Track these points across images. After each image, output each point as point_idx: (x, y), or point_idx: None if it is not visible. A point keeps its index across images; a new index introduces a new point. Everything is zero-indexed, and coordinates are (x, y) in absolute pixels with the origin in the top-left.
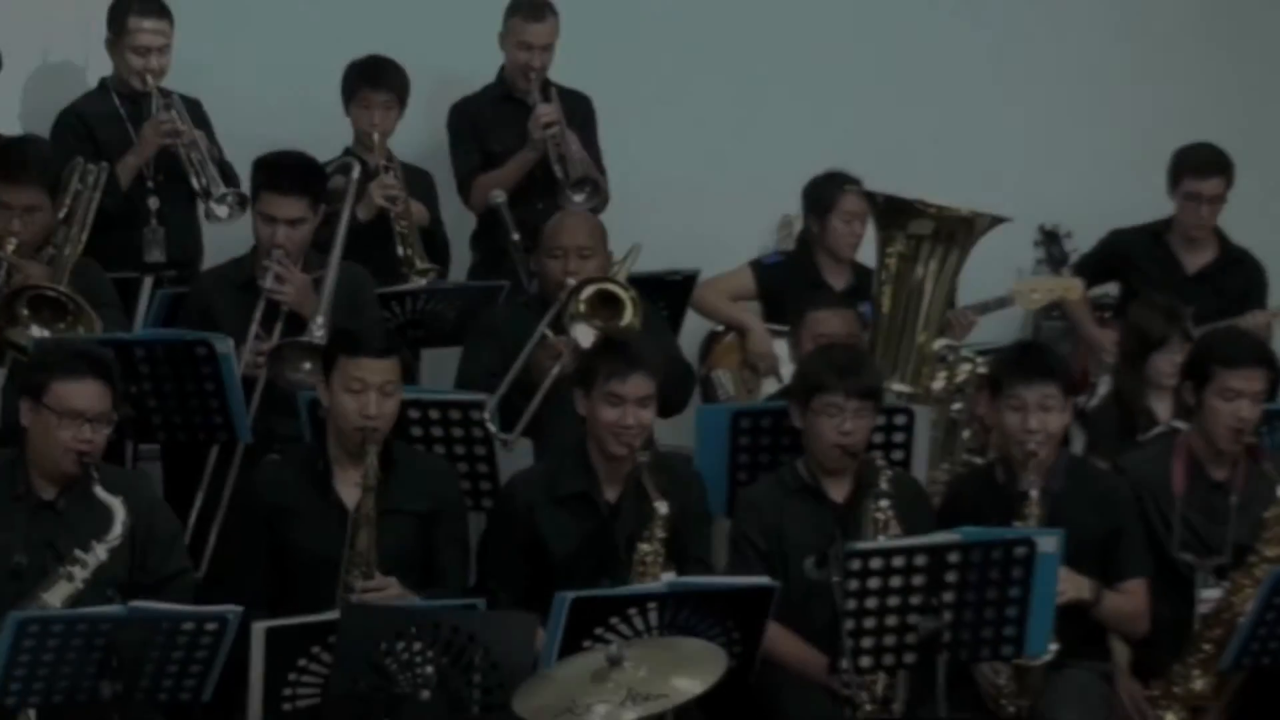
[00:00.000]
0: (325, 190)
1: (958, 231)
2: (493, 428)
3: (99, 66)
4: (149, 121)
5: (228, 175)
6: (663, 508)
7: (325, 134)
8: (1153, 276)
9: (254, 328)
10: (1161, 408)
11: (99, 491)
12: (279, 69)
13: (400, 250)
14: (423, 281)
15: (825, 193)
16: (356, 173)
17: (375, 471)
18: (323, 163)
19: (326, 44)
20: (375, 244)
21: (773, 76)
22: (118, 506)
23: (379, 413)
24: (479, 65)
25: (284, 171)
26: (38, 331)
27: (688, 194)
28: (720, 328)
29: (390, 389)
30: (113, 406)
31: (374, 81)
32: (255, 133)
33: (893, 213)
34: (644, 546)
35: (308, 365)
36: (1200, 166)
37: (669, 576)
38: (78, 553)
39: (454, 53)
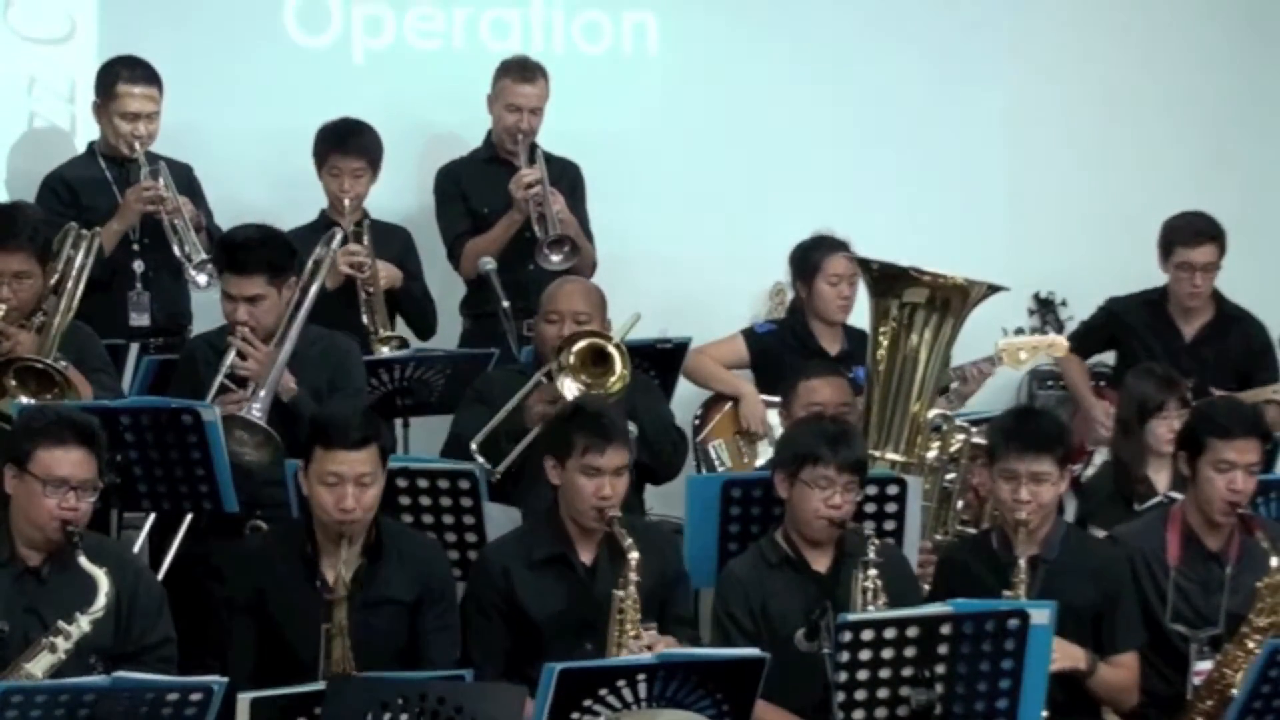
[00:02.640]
0: (289, 262)
1: (952, 299)
2: (479, 459)
3: (86, 131)
4: (131, 188)
5: (215, 243)
6: (634, 553)
7: (308, 198)
8: (1151, 345)
9: (216, 383)
10: (1160, 478)
11: (83, 562)
12: (264, 133)
13: (365, 318)
14: (385, 349)
15: (811, 256)
16: (338, 242)
17: (345, 584)
18: (303, 227)
19: (314, 107)
20: (346, 311)
21: (765, 145)
22: (102, 578)
23: (356, 505)
24: (472, 125)
25: (239, 251)
26: (25, 402)
27: (679, 262)
28: (711, 395)
29: (368, 480)
30: (98, 474)
31: (342, 147)
32: (239, 197)
33: (887, 280)
34: (619, 593)
35: (245, 435)
36: (1190, 236)
37: (649, 634)
38: (61, 624)
39: (447, 112)
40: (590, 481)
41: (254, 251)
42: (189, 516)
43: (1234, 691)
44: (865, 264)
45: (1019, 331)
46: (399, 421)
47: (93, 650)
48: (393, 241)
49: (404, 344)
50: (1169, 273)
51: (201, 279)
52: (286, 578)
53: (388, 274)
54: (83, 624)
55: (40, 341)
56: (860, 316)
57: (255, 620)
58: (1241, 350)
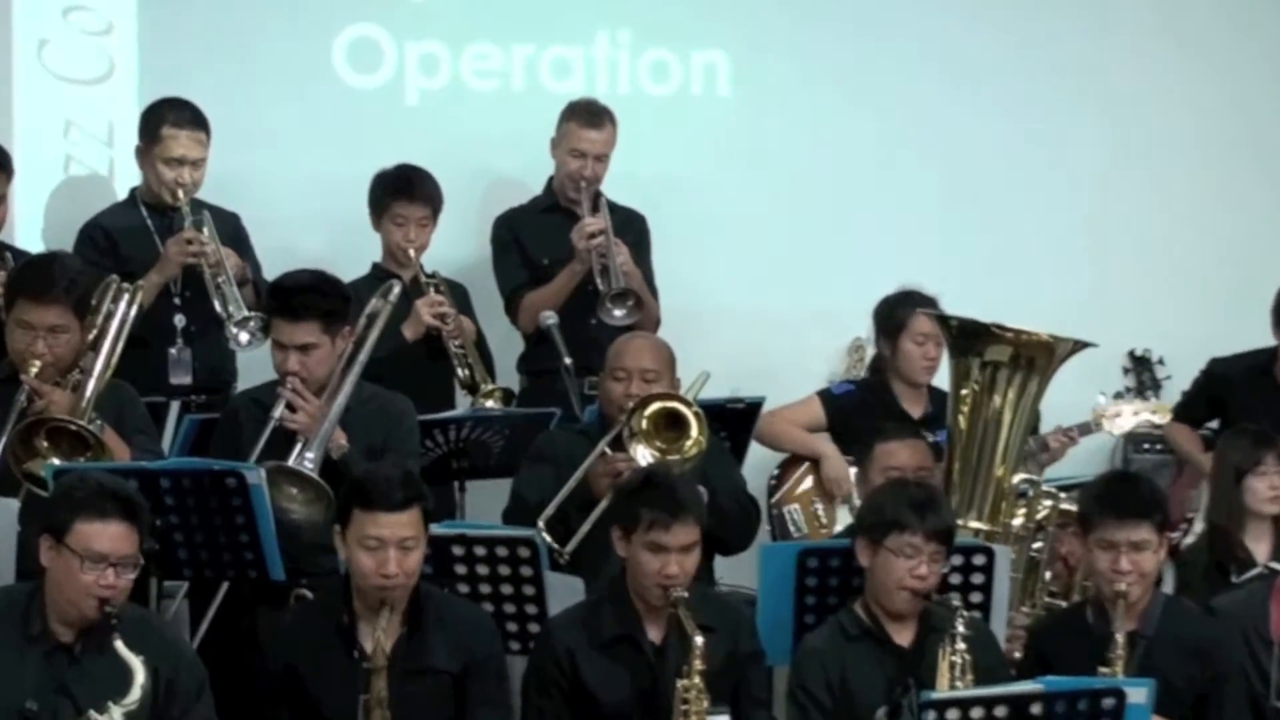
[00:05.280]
0: (344, 311)
1: (1037, 357)
2: (547, 538)
3: (125, 177)
4: (172, 238)
5: (261, 297)
6: (699, 640)
7: (362, 248)
8: (1255, 411)
9: (264, 436)
10: (1260, 547)
11: (120, 648)
12: (314, 179)
13: (460, 371)
14: (489, 402)
15: (896, 313)
16: (395, 294)
17: (385, 652)
18: (358, 281)
19: (366, 151)
20: (422, 365)
21: (843, 192)
22: (138, 667)
23: (399, 570)
24: (532, 171)
25: (292, 296)
26: (57, 463)
27: (751, 317)
28: (786, 457)
29: (410, 544)
30: (139, 548)
31: (408, 195)
32: (289, 247)
33: (967, 338)
34: (683, 682)
35: (294, 490)
36: None
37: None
38: (92, 713)
39: (505, 157)
40: (655, 559)
41: (307, 297)
42: (225, 585)
43: None
44: (945, 321)
45: (1118, 396)
46: (455, 485)
47: None
48: (452, 298)
49: (510, 396)
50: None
51: (243, 337)
52: (322, 648)
53: (469, 327)
54: (115, 715)
55: (76, 400)
56: (943, 377)
57: (290, 694)
58: None
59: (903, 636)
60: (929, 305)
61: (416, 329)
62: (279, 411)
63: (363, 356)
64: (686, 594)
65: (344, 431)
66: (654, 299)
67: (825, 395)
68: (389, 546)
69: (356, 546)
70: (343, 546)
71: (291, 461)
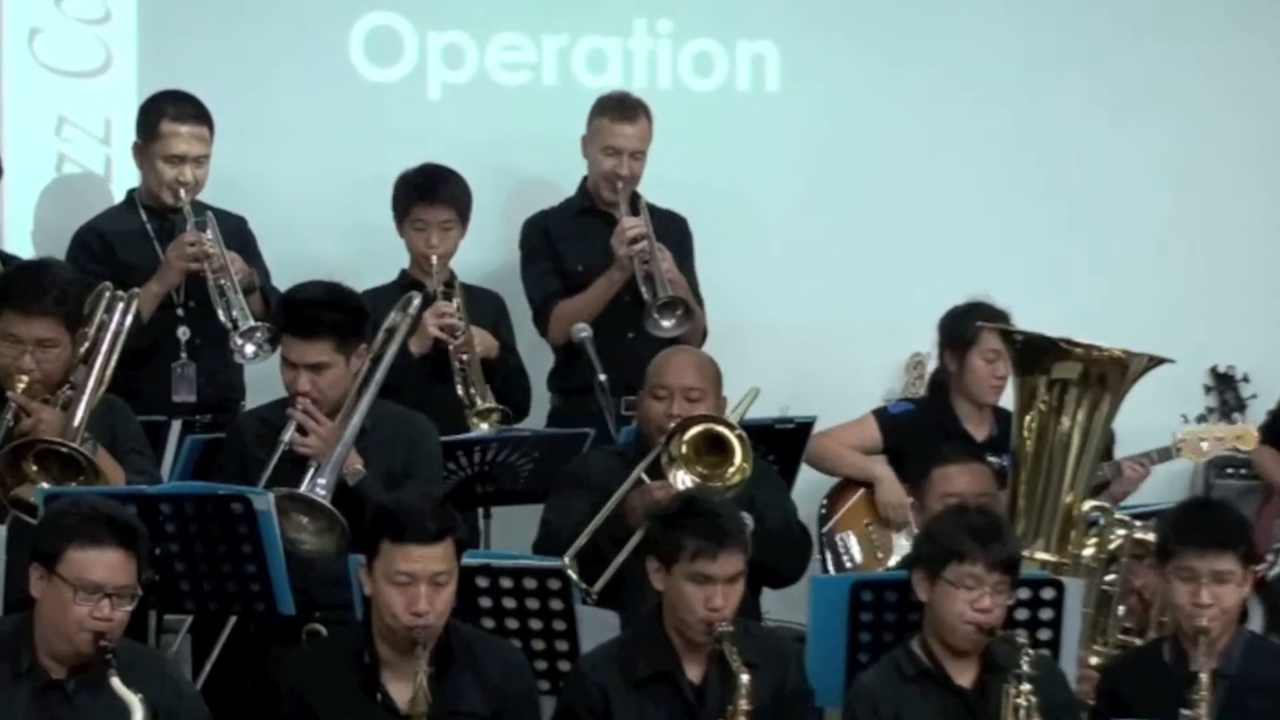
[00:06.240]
0: (360, 327)
1: (1109, 375)
2: (573, 575)
3: (123, 177)
4: (173, 243)
5: (270, 307)
6: (745, 677)
7: (380, 255)
8: None
9: (273, 462)
10: None
11: (116, 685)
12: (328, 180)
13: (460, 390)
14: (484, 426)
15: (965, 325)
16: (415, 307)
17: (426, 696)
18: (381, 289)
19: (385, 150)
20: (433, 382)
21: (902, 195)
22: (136, 706)
23: (430, 608)
24: (564, 171)
25: (303, 311)
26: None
27: (802, 330)
28: (838, 481)
29: (443, 579)
30: (137, 578)
31: (430, 198)
32: (301, 254)
33: (1034, 354)
34: None
35: (305, 520)
36: None
37: None
38: None
39: (536, 156)
40: (700, 590)
41: (319, 313)
42: (232, 620)
43: None
44: (1008, 336)
45: (1201, 419)
46: (480, 511)
47: None
48: (484, 307)
49: (507, 418)
50: None
51: (249, 349)
52: (342, 691)
53: (483, 342)
54: None
55: (66, 419)
56: (1008, 397)
57: None
58: None
59: (964, 676)
60: (1000, 319)
61: (423, 343)
62: (289, 434)
63: (380, 375)
64: (731, 628)
65: (360, 455)
66: (700, 309)
67: (881, 415)
68: (420, 582)
69: (385, 582)
70: (368, 581)
71: (303, 488)
